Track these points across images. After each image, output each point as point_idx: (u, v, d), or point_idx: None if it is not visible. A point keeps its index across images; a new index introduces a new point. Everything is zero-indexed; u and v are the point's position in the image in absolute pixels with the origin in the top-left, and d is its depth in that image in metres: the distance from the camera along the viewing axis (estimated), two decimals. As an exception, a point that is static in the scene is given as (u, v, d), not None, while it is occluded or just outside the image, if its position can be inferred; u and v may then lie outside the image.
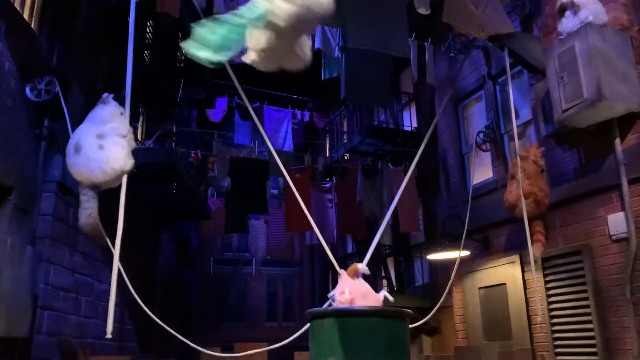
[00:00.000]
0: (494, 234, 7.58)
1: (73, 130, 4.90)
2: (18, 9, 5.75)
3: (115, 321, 3.84)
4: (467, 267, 7.92)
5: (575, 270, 6.14)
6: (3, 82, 5.32)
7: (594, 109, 5.58)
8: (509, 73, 6.62)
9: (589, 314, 5.90)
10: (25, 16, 5.97)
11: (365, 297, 3.73)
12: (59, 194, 6.03)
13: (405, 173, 8.43)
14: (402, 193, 8.16)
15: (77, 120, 5.92)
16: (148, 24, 7.72)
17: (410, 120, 9.98)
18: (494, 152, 7.73)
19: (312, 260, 13.92)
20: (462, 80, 8.52)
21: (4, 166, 5.03)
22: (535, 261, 6.05)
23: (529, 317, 6.75)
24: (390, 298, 3.92)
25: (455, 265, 6.45)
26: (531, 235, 5.80)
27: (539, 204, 6.00)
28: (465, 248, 7.85)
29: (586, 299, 5.95)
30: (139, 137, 7.00)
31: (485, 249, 7.65)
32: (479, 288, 7.70)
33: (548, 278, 6.50)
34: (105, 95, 4.79)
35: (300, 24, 3.10)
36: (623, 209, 5.61)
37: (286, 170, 5.57)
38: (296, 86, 11.10)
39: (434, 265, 8.80)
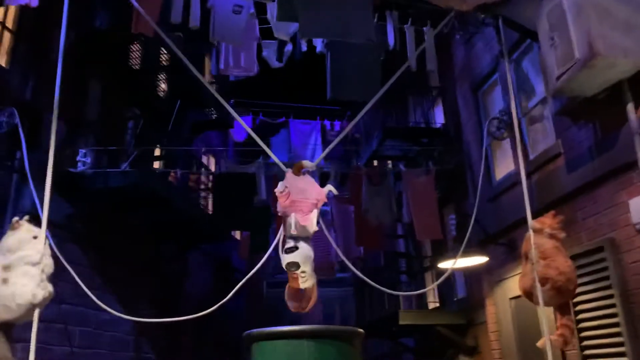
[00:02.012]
0: (519, 235, 6.49)
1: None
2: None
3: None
4: (496, 276, 6.89)
5: (598, 272, 5.01)
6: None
7: (589, 71, 4.54)
8: (504, 47, 5.76)
9: (617, 325, 4.74)
10: (-9, 54, 6.11)
11: (303, 192, 3.64)
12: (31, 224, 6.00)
13: (422, 174, 7.63)
14: (418, 196, 7.42)
15: (55, 149, 5.94)
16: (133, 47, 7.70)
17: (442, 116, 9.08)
18: (513, 140, 6.69)
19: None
20: (477, 64, 7.59)
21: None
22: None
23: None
24: (335, 191, 3.83)
25: (445, 275, 5.52)
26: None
27: (560, 291, 4.30)
28: (490, 253, 6.84)
29: (613, 305, 4.80)
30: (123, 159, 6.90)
31: (511, 253, 6.59)
32: (510, 299, 6.64)
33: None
34: (15, 219, 4.38)
35: None
36: (644, 190, 4.47)
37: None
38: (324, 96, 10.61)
39: (467, 277, 7.79)
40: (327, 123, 10.66)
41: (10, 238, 4.09)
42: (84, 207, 6.76)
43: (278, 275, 13.65)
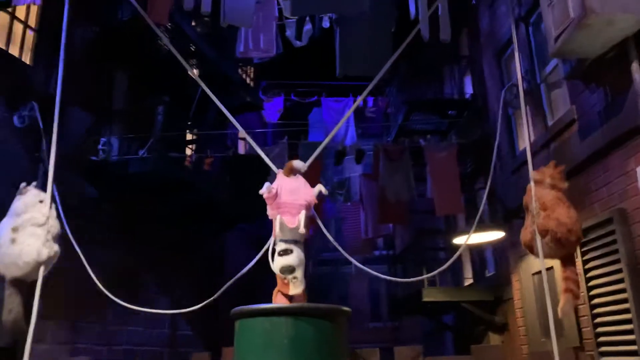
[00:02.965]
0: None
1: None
2: (3, 46, 6.31)
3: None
4: (521, 251, 6.60)
5: (609, 245, 4.69)
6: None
7: (586, 30, 4.23)
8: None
9: (625, 301, 4.44)
10: (16, 52, 6.52)
11: (293, 192, 3.48)
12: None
13: (443, 148, 7.40)
14: (438, 170, 7.22)
15: (77, 137, 6.28)
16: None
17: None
18: (533, 107, 6.35)
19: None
20: (499, 29, 7.22)
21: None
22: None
23: (575, 308, 5.33)
24: (324, 191, 3.59)
25: (458, 253, 5.34)
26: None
27: (561, 243, 4.24)
28: (514, 228, 6.55)
29: (622, 280, 4.50)
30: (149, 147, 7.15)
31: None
32: (532, 274, 6.36)
33: (586, 257, 5.07)
34: (22, 185, 4.75)
35: None
36: (652, 156, 4.13)
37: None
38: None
39: (495, 253, 7.53)
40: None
41: (19, 202, 4.52)
42: (110, 192, 7.13)
43: (325, 253, 13.80)
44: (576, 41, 4.37)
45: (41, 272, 4.07)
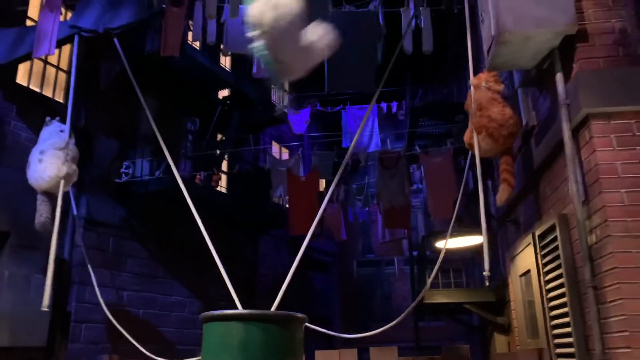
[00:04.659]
0: (520, 210, 6.29)
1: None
2: (38, 89, 7.37)
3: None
4: (511, 253, 6.70)
5: (555, 250, 4.81)
6: (22, 148, 6.92)
7: (506, 46, 4.43)
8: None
9: (565, 305, 4.57)
10: (49, 93, 7.57)
11: None
12: (87, 227, 7.39)
13: (439, 154, 7.60)
14: (433, 175, 7.44)
15: (109, 163, 7.24)
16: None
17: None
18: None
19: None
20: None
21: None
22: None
23: (544, 309, 5.43)
24: None
25: (439, 259, 5.65)
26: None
27: (494, 138, 4.73)
28: (507, 231, 6.67)
29: (562, 285, 4.62)
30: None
31: (517, 229, 6.40)
32: (519, 276, 6.44)
33: (544, 261, 5.18)
34: (47, 119, 6.04)
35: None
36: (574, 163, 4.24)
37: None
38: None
39: (496, 255, 7.61)
40: (383, 105, 10.78)
41: (44, 131, 6.06)
42: (136, 209, 8.06)
43: (368, 254, 14.15)
44: (502, 55, 4.56)
45: (62, 185, 5.42)
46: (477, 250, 7.43)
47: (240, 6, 6.90)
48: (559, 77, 4.38)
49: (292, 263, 12.40)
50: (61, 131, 5.93)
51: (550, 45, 4.42)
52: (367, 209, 11.07)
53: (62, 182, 5.49)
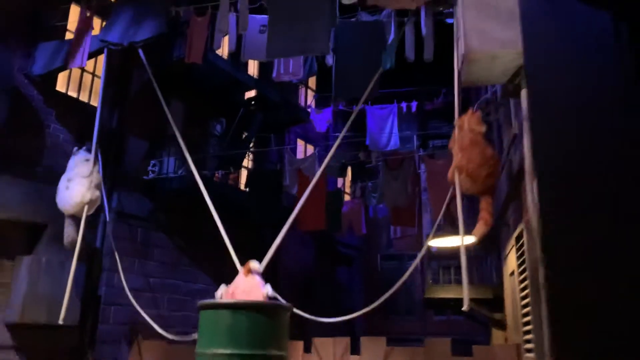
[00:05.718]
0: (509, 211, 6.60)
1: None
2: (75, 94, 8.18)
3: None
4: (504, 252, 7.01)
5: (524, 254, 5.15)
6: (60, 148, 7.75)
7: (475, 64, 4.77)
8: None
9: (529, 305, 4.92)
10: (85, 98, 8.38)
11: (247, 293, 4.53)
12: (117, 220, 8.17)
13: (440, 156, 7.93)
14: (435, 177, 7.78)
15: (139, 162, 7.98)
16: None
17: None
18: (504, 119, 6.73)
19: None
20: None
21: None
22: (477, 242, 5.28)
23: (520, 307, 5.77)
24: (271, 293, 4.56)
25: (418, 257, 6.07)
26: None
27: (473, 177, 5.09)
28: (502, 232, 6.96)
29: (527, 287, 4.97)
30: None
31: (508, 230, 6.71)
32: (509, 275, 6.77)
33: (519, 261, 5.52)
34: (74, 149, 6.71)
35: None
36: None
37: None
38: (401, 78, 10.97)
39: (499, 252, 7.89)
40: (403, 105, 11.07)
41: (71, 160, 6.84)
42: (162, 204, 8.80)
43: (391, 249, 14.51)
44: (473, 73, 4.90)
45: (85, 209, 6.08)
46: (475, 249, 7.76)
47: (250, 17, 7.39)
48: (524, 93, 4.70)
49: (316, 256, 12.92)
50: (86, 160, 6.46)
51: (516, 64, 4.73)
52: (382, 205, 11.47)
53: (85, 207, 6.14)
